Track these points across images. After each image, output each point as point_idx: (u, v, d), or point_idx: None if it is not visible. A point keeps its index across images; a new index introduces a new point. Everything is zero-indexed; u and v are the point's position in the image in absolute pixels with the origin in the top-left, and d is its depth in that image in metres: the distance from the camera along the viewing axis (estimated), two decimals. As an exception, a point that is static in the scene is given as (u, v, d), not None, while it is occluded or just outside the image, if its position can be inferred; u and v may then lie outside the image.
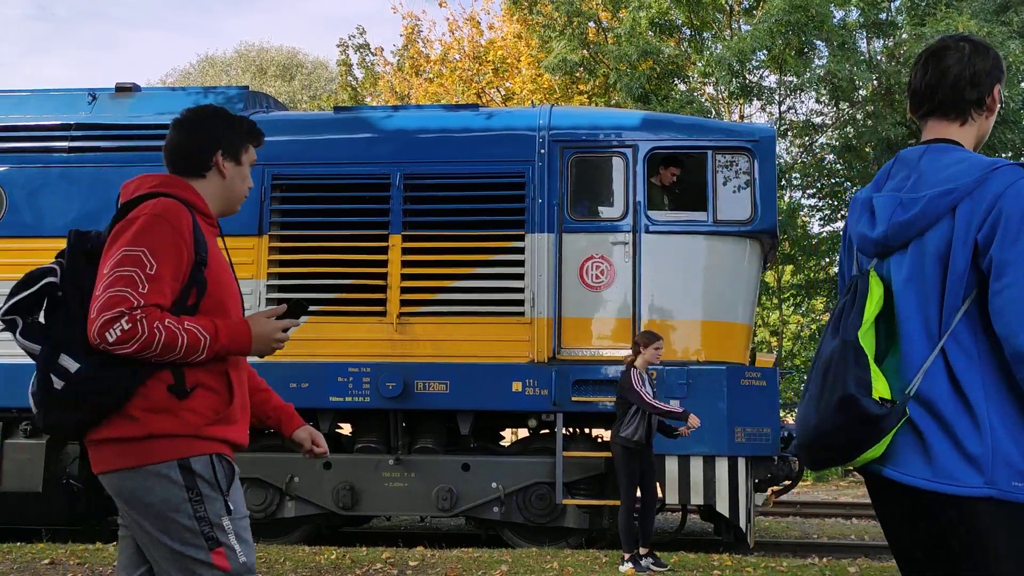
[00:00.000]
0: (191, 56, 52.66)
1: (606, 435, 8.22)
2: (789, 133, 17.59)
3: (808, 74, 15.40)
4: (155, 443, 2.00)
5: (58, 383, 1.97)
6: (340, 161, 7.58)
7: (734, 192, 7.29)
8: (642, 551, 6.05)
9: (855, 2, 15.47)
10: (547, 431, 7.52)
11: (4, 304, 2.06)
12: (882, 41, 17.48)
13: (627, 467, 6.09)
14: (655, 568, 5.97)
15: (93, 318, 1.95)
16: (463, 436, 7.41)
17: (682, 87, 17.07)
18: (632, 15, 15.91)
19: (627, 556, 5.96)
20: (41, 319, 2.13)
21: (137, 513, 2.02)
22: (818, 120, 17.98)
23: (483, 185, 7.42)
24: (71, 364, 1.97)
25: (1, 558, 6.36)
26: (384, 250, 7.37)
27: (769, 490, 7.56)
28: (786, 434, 7.27)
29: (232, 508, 2.06)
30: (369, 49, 22.34)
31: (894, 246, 1.80)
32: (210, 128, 2.26)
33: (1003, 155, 17.02)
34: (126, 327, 1.93)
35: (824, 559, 6.93)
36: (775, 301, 19.52)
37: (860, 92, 16.56)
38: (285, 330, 2.17)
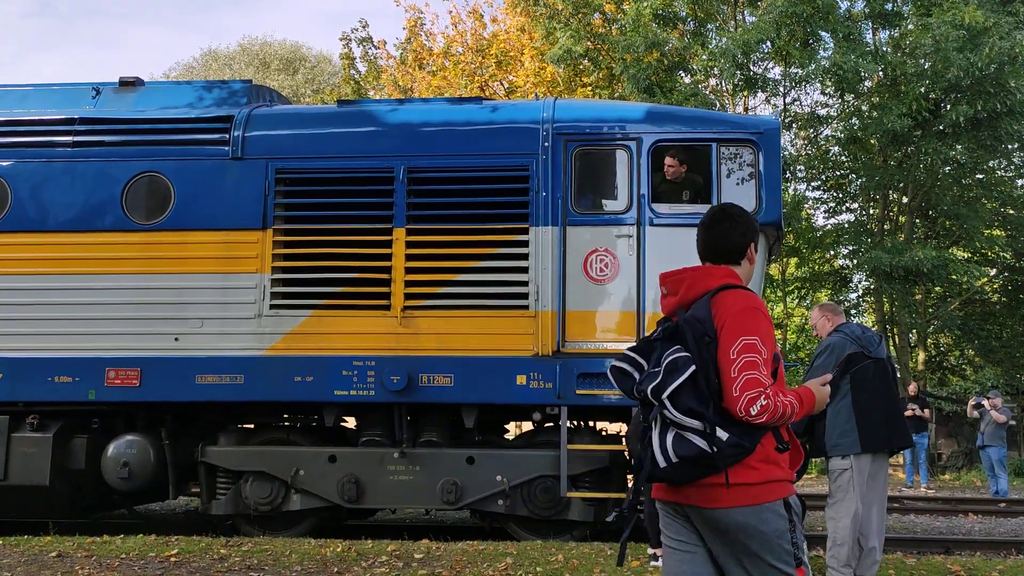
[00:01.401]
0: (194, 51, 52.61)
1: (611, 428, 8.23)
2: (794, 125, 17.52)
3: (813, 66, 15.33)
4: (770, 487, 2.53)
5: (708, 448, 2.44)
6: (343, 155, 7.56)
7: (738, 185, 7.26)
8: (654, 551, 6.06)
9: (860, -7, 15.39)
10: (551, 424, 7.53)
11: (664, 388, 2.46)
12: (888, 32, 17.39)
13: None
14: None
15: (737, 396, 2.45)
16: (468, 429, 7.42)
17: (687, 80, 17.01)
18: (636, 6, 15.85)
19: (660, 552, 5.97)
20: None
21: (748, 540, 2.51)
22: (823, 112, 17.93)
23: (487, 178, 7.40)
24: (723, 434, 2.45)
25: (9, 551, 6.40)
26: (388, 244, 7.37)
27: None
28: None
29: (803, 536, 2.62)
30: (372, 43, 22.33)
31: None
32: (747, 224, 2.80)
33: (1010, 147, 16.92)
34: (764, 403, 2.45)
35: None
36: (779, 294, 19.48)
37: (865, 83, 16.48)
38: None
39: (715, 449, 2.44)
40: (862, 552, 5.16)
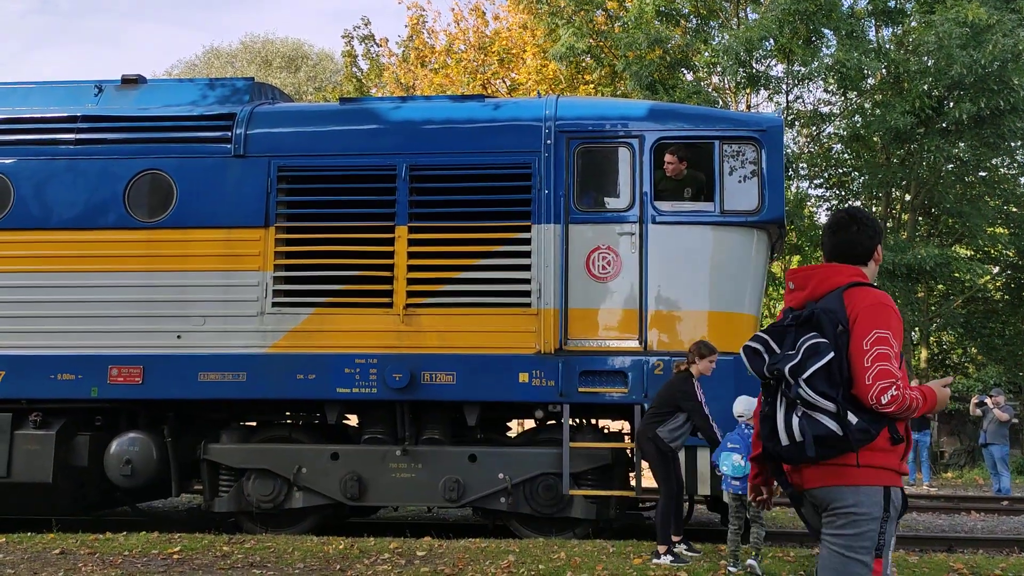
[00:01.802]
0: (196, 48, 52.65)
1: (613, 426, 8.23)
2: (796, 123, 17.48)
3: (816, 63, 15.29)
4: (873, 471, 2.66)
5: (839, 430, 2.60)
6: (346, 152, 7.56)
7: (741, 182, 7.26)
8: (675, 538, 6.11)
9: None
10: (554, 422, 7.53)
11: (804, 369, 2.62)
12: (891, 29, 17.34)
13: (663, 462, 6.16)
14: (688, 553, 6.08)
15: (870, 384, 2.59)
16: (470, 427, 7.42)
17: (689, 77, 16.98)
18: (639, 3, 15.83)
19: (663, 550, 6.00)
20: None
21: (840, 516, 2.66)
22: (826, 109, 17.87)
23: (489, 176, 7.40)
24: (853, 419, 2.60)
25: (12, 548, 6.42)
26: (390, 242, 7.37)
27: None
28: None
29: (895, 532, 2.72)
30: (374, 40, 22.31)
31: None
32: (873, 226, 2.91)
33: (1013, 144, 16.87)
34: (894, 393, 2.59)
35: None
36: (782, 292, 19.44)
37: (868, 81, 16.44)
38: None
39: (845, 432, 2.58)
40: None
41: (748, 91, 16.71)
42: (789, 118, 16.96)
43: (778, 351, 2.72)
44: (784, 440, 2.66)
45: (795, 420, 2.64)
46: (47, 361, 7.45)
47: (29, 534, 6.95)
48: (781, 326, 2.79)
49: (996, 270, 19.61)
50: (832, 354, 2.61)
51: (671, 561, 5.91)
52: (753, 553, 5.75)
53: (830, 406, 2.59)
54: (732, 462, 5.64)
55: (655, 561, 5.96)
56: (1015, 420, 14.05)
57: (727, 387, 6.82)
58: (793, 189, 16.94)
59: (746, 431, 5.70)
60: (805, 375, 2.61)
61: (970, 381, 19.14)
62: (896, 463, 2.70)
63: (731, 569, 5.76)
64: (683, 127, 7.44)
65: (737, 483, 5.69)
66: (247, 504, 7.47)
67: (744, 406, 5.83)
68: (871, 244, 2.88)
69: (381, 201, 7.44)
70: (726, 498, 5.97)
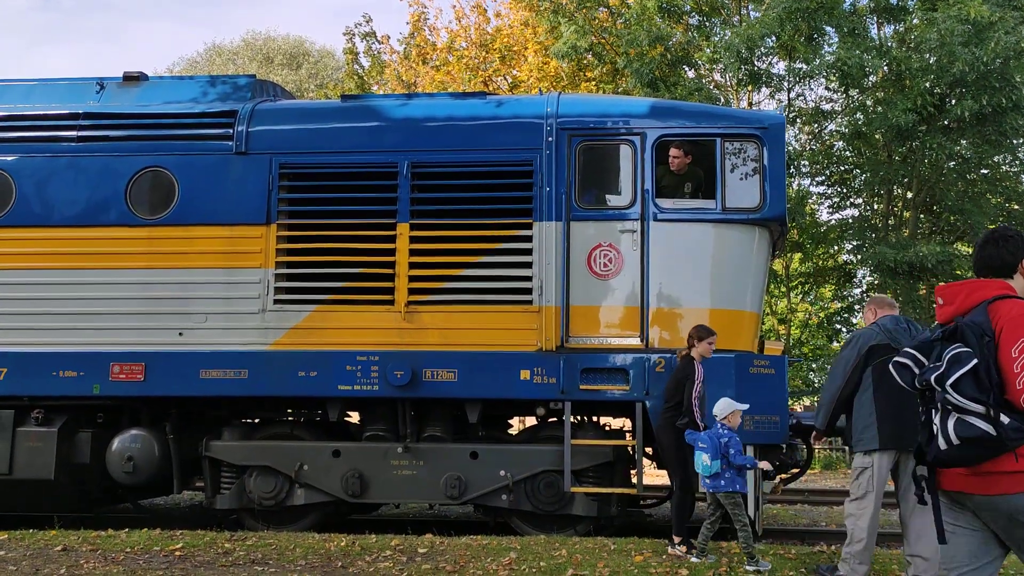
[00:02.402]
0: (198, 46, 52.65)
1: (614, 423, 8.23)
2: (798, 120, 17.46)
3: (817, 61, 15.26)
4: None
5: (992, 430, 2.75)
6: (347, 150, 7.56)
7: (743, 179, 7.25)
8: (676, 539, 6.11)
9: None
10: (555, 419, 7.53)
11: (949, 376, 2.81)
12: (893, 27, 17.32)
13: (681, 454, 6.21)
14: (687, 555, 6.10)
15: (1021, 389, 2.75)
16: (471, 424, 7.43)
17: (691, 74, 16.97)
18: (640, 1, 15.81)
19: (678, 540, 6.02)
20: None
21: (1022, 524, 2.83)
22: (827, 107, 17.85)
23: (491, 173, 7.40)
24: (1005, 419, 2.75)
25: (14, 545, 6.43)
26: (392, 239, 7.37)
27: (777, 478, 7.56)
28: (794, 421, 7.26)
29: None
30: (375, 37, 22.31)
31: None
32: (1017, 243, 3.09)
33: (1015, 142, 16.85)
34: None
35: (833, 546, 6.93)
36: (783, 289, 19.44)
37: (870, 78, 16.42)
38: None
39: (999, 432, 2.74)
40: (909, 566, 5.09)
41: (750, 88, 16.70)
42: (791, 115, 16.95)
43: (927, 364, 2.93)
44: (943, 444, 2.83)
45: (951, 424, 2.81)
46: (49, 358, 7.46)
47: (31, 531, 6.96)
48: (929, 341, 3.00)
49: (998, 268, 19.53)
50: (976, 361, 2.79)
51: (685, 551, 5.93)
52: (749, 557, 5.71)
53: (979, 408, 2.76)
54: (701, 461, 5.68)
55: (670, 550, 5.98)
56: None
57: (728, 385, 6.81)
58: (795, 187, 16.93)
59: (720, 430, 5.72)
60: (950, 381, 2.79)
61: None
62: None
63: (693, 560, 5.77)
64: (685, 124, 7.43)
65: (708, 481, 5.71)
66: (249, 501, 7.47)
67: (722, 407, 5.82)
68: (1013, 259, 3.08)
69: (383, 198, 7.44)
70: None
